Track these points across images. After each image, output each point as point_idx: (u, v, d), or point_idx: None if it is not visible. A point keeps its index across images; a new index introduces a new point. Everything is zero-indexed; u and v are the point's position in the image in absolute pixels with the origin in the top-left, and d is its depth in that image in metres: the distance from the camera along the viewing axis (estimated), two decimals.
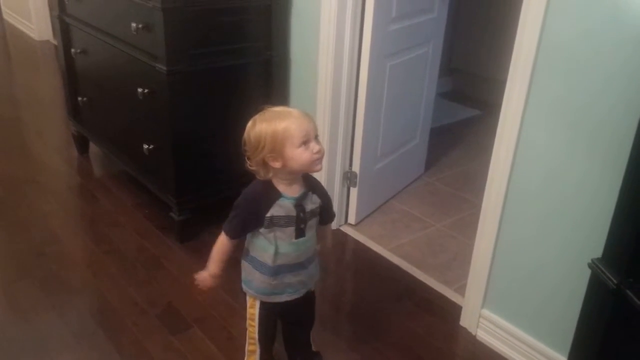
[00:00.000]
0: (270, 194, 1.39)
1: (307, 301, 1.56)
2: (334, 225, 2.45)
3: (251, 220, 1.39)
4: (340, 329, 1.96)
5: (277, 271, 1.43)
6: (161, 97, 2.11)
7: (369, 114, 2.29)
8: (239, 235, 1.43)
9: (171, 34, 1.98)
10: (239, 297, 1.95)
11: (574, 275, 1.54)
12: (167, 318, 1.92)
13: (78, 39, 2.67)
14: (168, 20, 1.95)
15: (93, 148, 3.01)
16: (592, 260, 1.17)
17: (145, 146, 2.25)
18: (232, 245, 1.44)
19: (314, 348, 1.69)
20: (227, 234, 1.43)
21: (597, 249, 1.20)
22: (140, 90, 2.16)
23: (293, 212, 1.39)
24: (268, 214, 1.37)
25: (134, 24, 2.06)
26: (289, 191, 1.40)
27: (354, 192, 2.42)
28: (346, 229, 2.47)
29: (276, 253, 1.40)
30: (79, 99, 2.76)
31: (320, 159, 1.36)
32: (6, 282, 2.07)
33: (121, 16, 2.20)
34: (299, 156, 1.33)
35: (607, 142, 1.43)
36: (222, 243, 1.45)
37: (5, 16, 5.64)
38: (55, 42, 4.86)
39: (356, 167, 2.37)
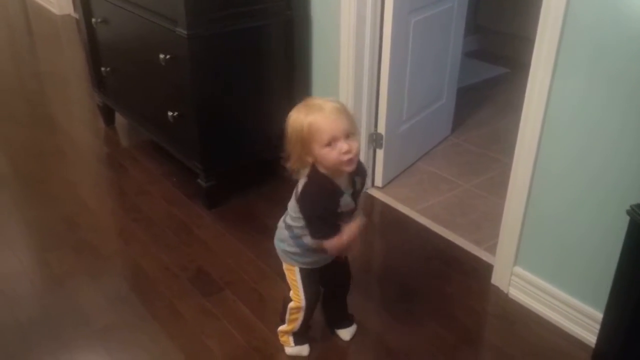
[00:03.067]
0: (335, 190, 1.34)
1: (340, 263, 1.57)
2: None
3: (334, 217, 1.36)
4: (370, 290, 1.96)
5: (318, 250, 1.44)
6: (183, 62, 2.09)
7: (393, 74, 2.24)
8: (332, 234, 1.37)
9: None
10: (269, 260, 1.99)
11: (609, 226, 1.50)
12: (199, 281, 1.94)
13: (98, 8, 2.65)
14: None
15: (119, 118, 3.03)
16: (631, 206, 1.13)
17: (170, 113, 2.25)
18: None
19: (348, 311, 1.70)
20: (326, 238, 1.38)
21: (634, 198, 1.16)
22: (162, 56, 2.15)
23: (353, 205, 1.38)
24: (339, 210, 1.35)
25: None
26: (343, 183, 1.36)
27: (380, 154, 2.39)
28: (373, 192, 2.45)
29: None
30: (102, 69, 2.76)
31: (351, 160, 1.28)
32: (41, 251, 2.12)
33: None
34: (325, 156, 1.28)
35: None
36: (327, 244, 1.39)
37: None
38: (76, 15, 4.87)
39: (382, 129, 2.33)
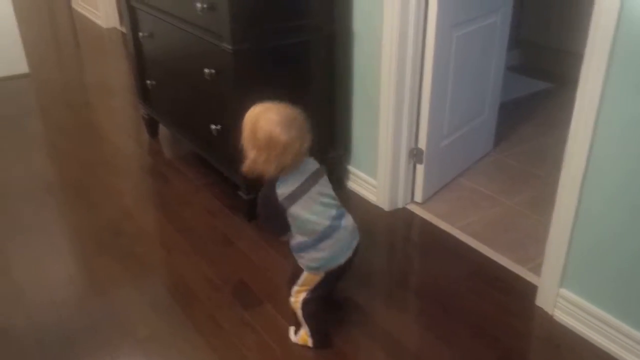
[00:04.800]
0: None
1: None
2: (399, 203, 2.42)
3: None
4: (410, 307, 1.94)
5: None
6: (227, 76, 2.13)
7: (435, 89, 2.23)
8: None
9: (236, 13, 1.98)
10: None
11: None
12: (240, 294, 1.96)
13: (145, 23, 2.73)
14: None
15: (162, 130, 3.10)
16: None
17: (213, 126, 2.29)
18: None
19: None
20: None
21: None
22: (206, 70, 2.19)
23: None
24: None
25: (198, 4, 2.08)
26: None
27: (420, 169, 2.37)
28: (412, 207, 2.43)
29: None
30: (148, 82, 2.84)
31: None
32: (86, 258, 2.18)
33: None
34: None
35: None
36: None
37: (74, 5, 5.86)
38: (121, 28, 5.03)
39: (422, 144, 2.32)
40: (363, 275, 2.04)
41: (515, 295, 1.93)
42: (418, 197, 2.43)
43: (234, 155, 2.24)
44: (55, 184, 2.71)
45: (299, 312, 1.69)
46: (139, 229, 2.35)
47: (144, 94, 2.96)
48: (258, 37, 2.07)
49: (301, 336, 1.74)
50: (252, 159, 1.54)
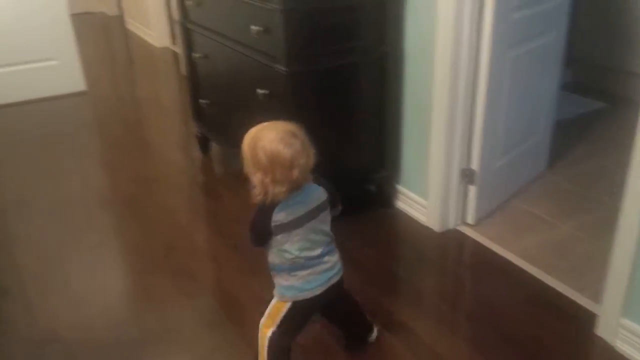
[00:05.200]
0: None
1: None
2: (451, 224, 2.38)
3: None
4: (461, 330, 1.90)
5: None
6: (280, 97, 2.16)
7: (489, 109, 2.20)
8: None
9: (291, 35, 2.02)
10: (359, 297, 1.99)
11: None
12: None
13: (200, 44, 2.81)
14: (288, 22, 2.00)
15: (214, 147, 3.17)
16: None
17: None
18: None
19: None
20: None
21: None
22: (259, 91, 2.24)
23: None
24: None
25: (253, 27, 2.13)
26: None
27: (472, 190, 2.34)
28: (464, 229, 2.39)
29: None
30: (201, 101, 2.91)
31: None
32: (141, 274, 2.23)
33: (241, 20, 2.28)
34: None
35: None
36: None
37: (128, 25, 6.09)
38: (173, 48, 5.19)
39: (475, 165, 2.29)
40: (411, 295, 2.02)
41: (573, 324, 1.87)
42: (470, 218, 2.39)
43: None
44: (110, 199, 2.80)
45: (263, 351, 1.58)
46: (192, 245, 2.39)
47: (198, 113, 3.04)
48: (311, 59, 2.10)
49: None
50: (259, 181, 1.44)
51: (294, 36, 2.03)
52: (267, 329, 1.57)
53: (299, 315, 1.57)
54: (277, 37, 2.06)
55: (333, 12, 2.10)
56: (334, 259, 1.58)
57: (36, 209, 2.68)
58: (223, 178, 2.96)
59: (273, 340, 1.56)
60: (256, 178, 1.44)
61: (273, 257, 1.54)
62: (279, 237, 1.49)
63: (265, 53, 2.18)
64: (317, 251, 1.52)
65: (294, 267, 1.51)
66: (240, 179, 2.87)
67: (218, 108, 2.83)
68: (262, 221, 1.49)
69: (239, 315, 1.96)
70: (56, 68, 4.03)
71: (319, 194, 1.53)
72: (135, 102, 4.26)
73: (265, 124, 1.51)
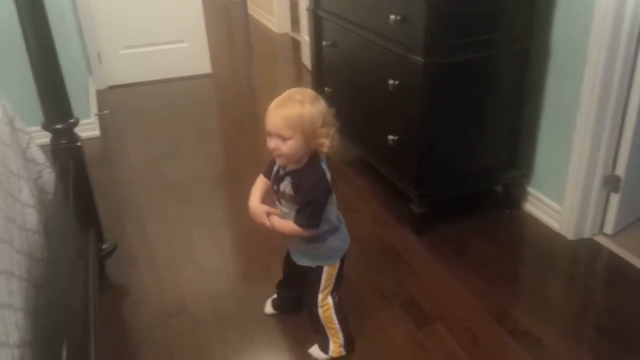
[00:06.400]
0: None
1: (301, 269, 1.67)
2: (586, 233, 2.21)
3: (271, 166, 1.62)
4: (588, 342, 1.78)
5: None
6: (412, 89, 2.11)
7: None
8: (263, 173, 1.65)
9: (431, 25, 1.96)
10: (482, 299, 1.92)
11: None
12: (410, 309, 1.93)
13: (328, 32, 2.81)
14: (430, 11, 1.94)
15: None
16: None
17: (390, 137, 2.29)
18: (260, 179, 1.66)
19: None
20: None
21: None
22: (390, 82, 2.19)
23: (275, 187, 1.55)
24: (274, 167, 1.57)
25: (392, 16, 2.09)
26: (288, 166, 1.51)
27: (614, 198, 2.15)
28: (600, 239, 2.22)
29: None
30: (325, 89, 2.92)
31: (277, 155, 1.47)
32: (264, 255, 2.24)
33: (377, 8, 2.25)
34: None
35: None
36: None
37: (250, 11, 6.28)
38: (293, 34, 5.28)
39: (620, 171, 2.10)
40: (537, 302, 1.91)
41: None
42: (608, 228, 2.20)
43: (411, 166, 2.24)
44: (232, 177, 2.91)
45: (334, 319, 1.67)
46: None
47: None
48: (449, 50, 2.02)
49: (334, 349, 1.71)
50: (326, 135, 1.45)
51: (434, 26, 1.96)
52: (326, 298, 1.66)
53: (341, 267, 1.67)
54: (416, 27, 2.00)
55: (478, 2, 2.01)
56: None
57: (162, 183, 2.84)
58: (338, 166, 2.94)
59: (334, 301, 1.67)
60: (322, 135, 1.45)
61: (323, 226, 1.55)
62: (329, 198, 1.54)
63: (401, 42, 2.13)
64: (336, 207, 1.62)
65: (337, 226, 1.61)
66: (355, 168, 2.89)
67: (343, 96, 2.82)
68: (324, 178, 1.51)
69: (356, 305, 1.93)
70: (186, 50, 4.24)
71: None
72: (255, 87, 4.39)
73: (291, 94, 1.48)
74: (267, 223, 1.56)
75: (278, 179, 1.55)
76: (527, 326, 1.82)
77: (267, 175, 1.62)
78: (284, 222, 1.55)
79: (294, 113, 1.42)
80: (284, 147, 1.44)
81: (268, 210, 1.57)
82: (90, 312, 1.54)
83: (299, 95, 1.45)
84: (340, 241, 1.64)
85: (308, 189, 1.48)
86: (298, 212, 1.51)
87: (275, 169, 1.57)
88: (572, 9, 2.03)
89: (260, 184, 1.63)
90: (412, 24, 2.02)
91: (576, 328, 1.84)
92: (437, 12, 1.94)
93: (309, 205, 1.49)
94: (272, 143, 1.45)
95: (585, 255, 2.19)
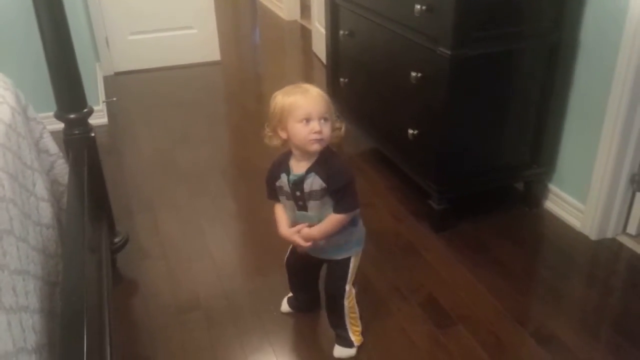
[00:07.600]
0: (281, 167, 1.52)
1: (326, 265, 1.66)
2: (609, 233, 2.16)
3: (272, 186, 1.56)
4: (612, 346, 1.73)
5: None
6: (436, 82, 2.04)
7: None
8: (270, 197, 1.60)
9: (459, 16, 1.88)
10: (505, 300, 1.88)
11: None
12: (430, 309, 1.88)
13: (346, 21, 2.74)
14: (459, 1, 1.86)
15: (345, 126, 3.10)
16: None
17: (410, 131, 2.22)
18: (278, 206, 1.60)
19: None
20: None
21: None
22: (413, 74, 2.13)
23: (288, 189, 1.50)
24: (277, 184, 1.53)
25: (417, 6, 2.01)
26: (296, 168, 1.48)
27: (639, 197, 2.10)
28: (623, 239, 2.16)
29: (290, 216, 1.57)
30: (340, 79, 2.85)
31: (317, 140, 1.41)
32: (279, 251, 2.20)
33: None
34: (297, 131, 1.41)
35: None
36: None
37: None
38: (302, 22, 5.18)
39: None
40: (560, 304, 1.87)
41: None
42: (632, 229, 2.15)
43: (431, 161, 2.18)
44: (241, 165, 2.85)
45: (356, 307, 1.68)
46: None
47: (334, 91, 2.98)
48: (476, 42, 1.95)
49: (355, 339, 1.70)
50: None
51: (462, 17, 1.89)
52: (352, 288, 1.65)
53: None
54: (443, 17, 1.93)
55: None
56: None
57: (172, 172, 2.79)
58: (352, 158, 2.88)
59: (355, 291, 1.68)
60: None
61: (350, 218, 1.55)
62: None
63: (425, 34, 2.05)
64: None
65: (358, 217, 1.61)
66: (369, 161, 2.83)
67: (358, 87, 2.75)
68: (344, 159, 1.58)
69: (375, 304, 1.89)
70: (195, 37, 4.16)
71: None
72: (263, 74, 4.31)
73: (297, 85, 1.50)
74: (306, 243, 1.52)
75: (297, 184, 1.49)
76: (551, 329, 1.77)
77: (276, 197, 1.58)
78: (320, 226, 1.51)
79: (324, 94, 1.45)
80: (325, 129, 1.42)
81: (296, 231, 1.54)
82: (104, 310, 1.49)
83: (303, 85, 1.48)
84: (362, 235, 1.65)
85: (338, 172, 1.47)
86: (337, 200, 1.48)
87: (284, 181, 1.52)
88: (605, 2, 1.95)
89: (280, 209, 1.59)
90: (439, 14, 1.95)
91: (599, 331, 1.79)
92: (466, 3, 1.87)
93: (347, 186, 1.47)
94: (317, 126, 1.40)
95: (608, 256, 2.13)
